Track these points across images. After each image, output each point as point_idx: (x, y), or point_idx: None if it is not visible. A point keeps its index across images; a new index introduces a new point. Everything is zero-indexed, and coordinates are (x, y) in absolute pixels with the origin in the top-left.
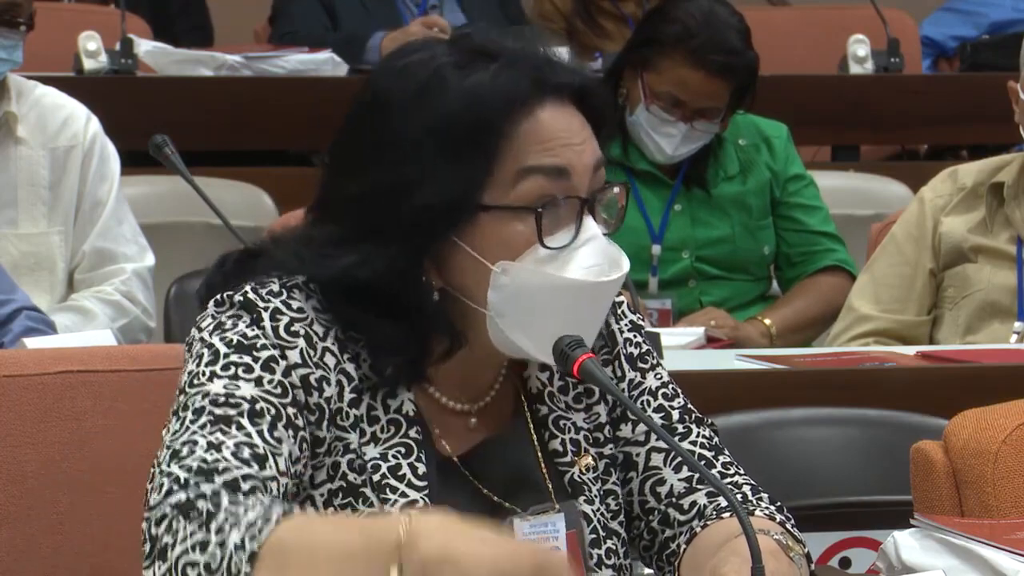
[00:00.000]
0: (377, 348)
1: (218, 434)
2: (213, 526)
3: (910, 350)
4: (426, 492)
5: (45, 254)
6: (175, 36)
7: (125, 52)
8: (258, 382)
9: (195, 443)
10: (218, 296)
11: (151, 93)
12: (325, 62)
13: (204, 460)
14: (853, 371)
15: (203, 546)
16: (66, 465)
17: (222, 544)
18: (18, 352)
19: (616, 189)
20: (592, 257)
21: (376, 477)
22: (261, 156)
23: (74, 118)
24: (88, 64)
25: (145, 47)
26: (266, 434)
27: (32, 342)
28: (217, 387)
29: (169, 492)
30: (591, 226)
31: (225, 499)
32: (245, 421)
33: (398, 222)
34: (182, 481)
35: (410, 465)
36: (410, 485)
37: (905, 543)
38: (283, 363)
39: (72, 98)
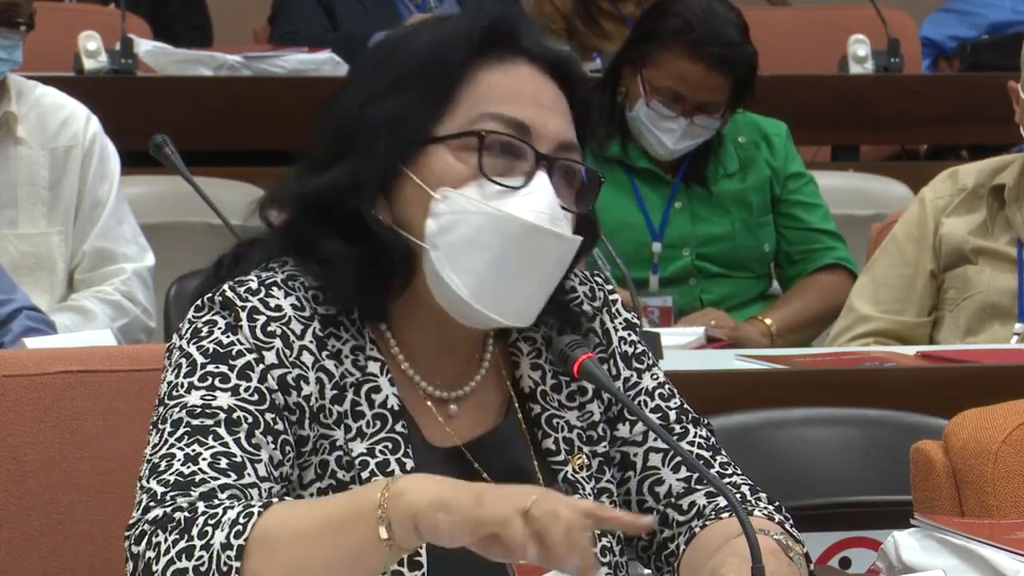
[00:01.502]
0: (336, 272)
1: (195, 446)
2: (195, 531)
3: (910, 350)
4: None
5: (45, 254)
6: (175, 36)
7: (125, 52)
8: (235, 391)
9: (173, 456)
10: (198, 301)
11: (151, 93)
12: (325, 62)
13: (181, 474)
14: (853, 371)
15: (188, 552)
16: (66, 465)
17: (207, 547)
18: (18, 352)
19: (584, 170)
20: (539, 204)
21: (365, 475)
22: (261, 156)
23: (74, 118)
24: (88, 64)
25: (145, 47)
26: (243, 442)
27: (32, 342)
28: (194, 398)
29: (147, 509)
30: (544, 182)
31: (202, 505)
32: (222, 431)
33: (357, 139)
34: (159, 496)
35: (398, 461)
36: None
37: (905, 543)
38: (259, 367)
39: (72, 98)
